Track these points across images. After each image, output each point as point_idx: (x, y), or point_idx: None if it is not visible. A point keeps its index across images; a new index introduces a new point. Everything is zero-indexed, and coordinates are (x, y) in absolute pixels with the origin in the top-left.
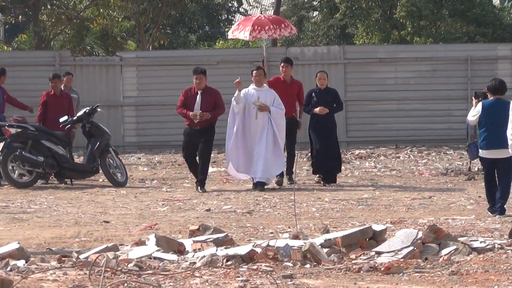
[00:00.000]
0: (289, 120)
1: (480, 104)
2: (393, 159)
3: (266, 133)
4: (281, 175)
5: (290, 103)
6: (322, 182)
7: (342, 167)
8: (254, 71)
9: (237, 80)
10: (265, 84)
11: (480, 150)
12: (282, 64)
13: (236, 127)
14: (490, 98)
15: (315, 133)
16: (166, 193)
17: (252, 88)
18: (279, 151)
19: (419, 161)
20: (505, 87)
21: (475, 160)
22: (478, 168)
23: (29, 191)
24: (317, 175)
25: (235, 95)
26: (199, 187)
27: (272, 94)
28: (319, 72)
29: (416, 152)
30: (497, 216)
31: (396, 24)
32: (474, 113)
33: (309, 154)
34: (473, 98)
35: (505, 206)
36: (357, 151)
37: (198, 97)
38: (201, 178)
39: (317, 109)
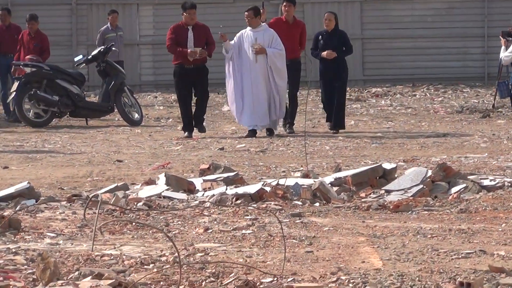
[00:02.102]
0: (291, 62)
1: None
2: (409, 97)
3: (267, 79)
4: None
5: (292, 45)
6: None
7: (358, 105)
8: (245, 12)
9: (220, 33)
10: (263, 24)
11: None
12: (284, 4)
13: (234, 73)
14: None
15: (324, 79)
16: (180, 131)
17: (248, 29)
18: (279, 99)
19: (435, 99)
20: None
21: (498, 98)
22: (494, 105)
23: (44, 131)
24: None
25: (222, 45)
26: (198, 128)
27: (270, 34)
28: (326, 13)
29: (432, 90)
30: None
31: None
32: (509, 52)
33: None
34: (500, 37)
35: None
36: (373, 89)
37: (190, 33)
38: (201, 119)
39: (324, 53)
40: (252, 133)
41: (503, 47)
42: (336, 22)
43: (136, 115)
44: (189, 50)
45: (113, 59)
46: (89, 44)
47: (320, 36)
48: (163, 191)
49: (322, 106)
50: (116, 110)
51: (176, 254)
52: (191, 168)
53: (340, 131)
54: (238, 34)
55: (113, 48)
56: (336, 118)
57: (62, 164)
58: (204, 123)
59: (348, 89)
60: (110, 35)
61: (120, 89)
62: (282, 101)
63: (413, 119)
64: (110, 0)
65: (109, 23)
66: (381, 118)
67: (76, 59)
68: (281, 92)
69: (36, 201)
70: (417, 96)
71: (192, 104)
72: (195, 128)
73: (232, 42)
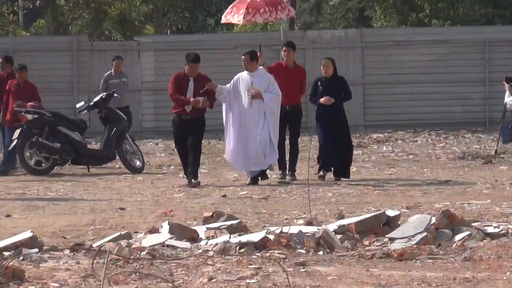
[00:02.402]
0: (292, 108)
1: None
2: (411, 143)
3: (262, 123)
4: (283, 169)
5: (293, 90)
6: (323, 178)
7: (360, 151)
8: (242, 56)
9: (207, 86)
10: (260, 67)
11: None
12: (284, 49)
13: (228, 117)
14: None
15: (322, 125)
16: (183, 179)
17: (245, 73)
18: (273, 143)
19: (436, 145)
20: None
21: (501, 144)
22: (496, 151)
23: (46, 178)
24: (321, 171)
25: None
26: (192, 179)
27: (267, 78)
28: (323, 60)
29: (434, 136)
30: None
31: (414, 6)
32: None
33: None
34: (504, 83)
35: None
36: (375, 135)
37: (191, 83)
38: (195, 170)
39: (322, 99)
40: (254, 181)
41: (507, 92)
42: (334, 67)
43: (138, 162)
44: (191, 99)
45: (116, 106)
46: (91, 91)
47: (319, 82)
48: (166, 240)
49: (319, 153)
50: (117, 157)
51: None
52: (194, 215)
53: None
54: (234, 77)
55: (115, 95)
56: (341, 165)
57: (64, 212)
58: (198, 175)
59: None
60: (113, 81)
61: (122, 136)
62: (275, 146)
63: (415, 165)
64: (111, 47)
65: (113, 69)
66: (383, 165)
67: (77, 105)
68: (275, 134)
69: (39, 251)
70: (418, 142)
71: None
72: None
73: (227, 86)
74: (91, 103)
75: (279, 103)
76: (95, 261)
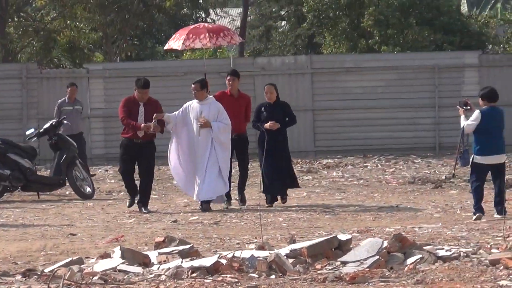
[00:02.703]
0: (238, 137)
1: (477, 112)
2: (361, 168)
3: (210, 151)
4: (229, 198)
5: (238, 119)
6: (271, 205)
7: (310, 177)
8: (192, 85)
9: (154, 121)
10: (210, 96)
11: (475, 157)
12: (228, 78)
13: (177, 144)
14: (484, 106)
15: (265, 150)
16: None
17: (195, 101)
18: (221, 173)
19: (386, 170)
20: (497, 95)
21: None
22: (445, 176)
23: None
24: (268, 203)
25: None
26: (143, 208)
27: (216, 107)
28: (266, 86)
29: (383, 161)
30: (498, 216)
31: (363, 33)
32: (471, 121)
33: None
34: (458, 107)
35: (504, 205)
36: (324, 161)
37: (141, 108)
38: (144, 200)
39: (267, 124)
40: (207, 206)
41: (462, 116)
42: (277, 93)
43: (88, 189)
44: (142, 125)
45: (69, 133)
46: (40, 118)
47: (263, 108)
48: (118, 265)
49: (262, 178)
50: (68, 183)
51: None
52: (145, 241)
53: (292, 204)
54: (184, 105)
55: (65, 122)
56: (288, 183)
57: (15, 238)
58: (148, 205)
59: (299, 160)
60: (66, 108)
61: (72, 162)
62: (225, 175)
63: (365, 190)
64: (60, 74)
65: (67, 96)
66: (334, 190)
67: (27, 132)
68: (225, 164)
69: None
70: (368, 167)
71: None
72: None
73: (174, 113)
74: (41, 130)
75: (228, 132)
76: (46, 287)
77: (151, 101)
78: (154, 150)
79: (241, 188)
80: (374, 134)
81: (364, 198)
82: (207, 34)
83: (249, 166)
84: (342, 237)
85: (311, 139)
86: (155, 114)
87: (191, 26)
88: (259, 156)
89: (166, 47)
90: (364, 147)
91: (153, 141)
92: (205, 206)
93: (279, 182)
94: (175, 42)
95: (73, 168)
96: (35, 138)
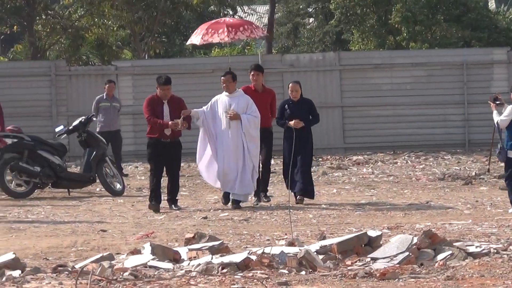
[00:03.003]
0: (263, 131)
1: (510, 107)
2: (391, 165)
3: (241, 146)
4: (258, 195)
5: (263, 114)
6: (298, 200)
7: (340, 173)
8: (222, 77)
9: (182, 116)
10: (239, 90)
11: (509, 151)
12: (252, 73)
13: (206, 140)
14: None
15: (289, 148)
16: (163, 201)
17: (224, 94)
18: (252, 165)
19: (416, 167)
20: None
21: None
22: (475, 172)
23: (26, 201)
24: (297, 196)
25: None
26: (173, 205)
27: (246, 100)
28: (291, 83)
29: (413, 158)
30: None
31: (391, 29)
32: (505, 116)
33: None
34: (490, 102)
35: None
36: (354, 157)
37: (165, 107)
38: (173, 197)
39: (291, 122)
40: (227, 200)
41: (495, 112)
42: (301, 91)
43: (118, 185)
44: (170, 122)
45: (106, 129)
46: (69, 115)
47: (287, 105)
48: (148, 261)
49: (283, 174)
50: (98, 180)
51: None
52: (175, 237)
53: (322, 200)
54: (212, 100)
55: (94, 119)
56: (303, 186)
57: (46, 235)
58: (178, 201)
59: (329, 157)
60: (103, 104)
61: (102, 159)
62: (254, 172)
63: (395, 187)
64: (89, 71)
65: (105, 92)
66: (363, 186)
67: (57, 129)
68: (254, 160)
69: (22, 272)
70: (398, 163)
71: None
72: (171, 205)
73: (202, 108)
74: (70, 127)
75: (257, 125)
76: (78, 282)
77: (174, 99)
78: (181, 148)
79: (264, 183)
80: (403, 130)
81: (394, 195)
82: (225, 29)
83: (271, 161)
84: (372, 233)
85: (341, 136)
86: (182, 111)
87: (213, 21)
88: (284, 152)
89: (188, 42)
90: (394, 143)
91: (179, 140)
92: (236, 205)
93: (300, 182)
94: (195, 37)
95: (103, 165)
96: (65, 135)
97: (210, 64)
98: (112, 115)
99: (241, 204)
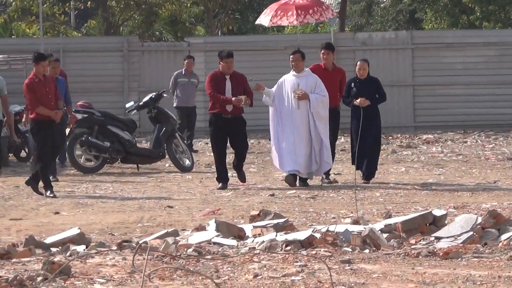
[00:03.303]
0: (330, 110)
1: None
2: (460, 144)
3: (309, 124)
4: (327, 174)
5: (332, 93)
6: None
7: (409, 152)
8: (291, 56)
9: (256, 84)
10: (306, 69)
11: None
12: (322, 51)
13: (276, 120)
14: None
15: (355, 127)
16: (231, 178)
17: (291, 74)
18: (324, 144)
19: (486, 146)
20: None
21: None
22: None
23: (95, 177)
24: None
25: (263, 95)
26: (239, 175)
27: (314, 79)
28: (359, 61)
29: (483, 137)
30: None
31: (465, 8)
32: None
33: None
34: None
35: None
36: (424, 136)
37: (227, 82)
38: (241, 166)
39: (357, 101)
40: (293, 179)
41: None
42: (368, 69)
43: (187, 162)
44: (233, 98)
45: (183, 104)
46: (141, 91)
47: (353, 84)
48: (213, 238)
49: (351, 154)
50: (167, 156)
51: None
52: (242, 214)
53: (390, 179)
54: (279, 80)
55: (164, 95)
56: (368, 167)
57: (113, 210)
58: (246, 172)
59: (399, 135)
60: (181, 80)
61: (172, 135)
62: (325, 150)
63: (464, 166)
64: (161, 47)
65: (184, 68)
66: (432, 165)
67: (127, 105)
68: (324, 139)
69: (87, 247)
70: (468, 142)
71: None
72: (237, 178)
73: (272, 89)
74: (141, 103)
75: (326, 104)
76: (141, 258)
77: (237, 75)
78: (245, 124)
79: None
80: (474, 110)
81: (462, 174)
82: (294, 12)
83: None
84: (437, 212)
85: (411, 115)
86: (257, 84)
87: (283, 1)
88: (351, 131)
89: (257, 21)
90: (464, 122)
91: (242, 116)
92: (303, 182)
93: (365, 160)
94: (265, 18)
95: (173, 141)
96: (135, 111)
97: (283, 41)
98: (190, 91)
99: (308, 181)
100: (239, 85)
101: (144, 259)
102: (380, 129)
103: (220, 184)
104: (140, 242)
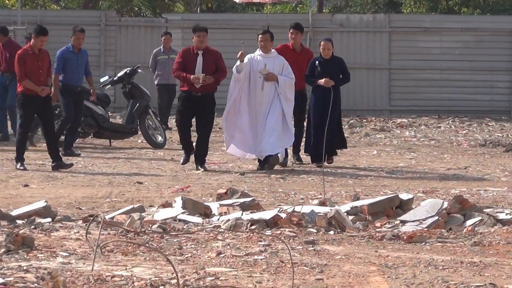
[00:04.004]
0: (297, 93)
1: None
2: (434, 129)
3: (275, 106)
4: (286, 155)
5: (299, 74)
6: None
7: (382, 135)
8: (260, 35)
9: (240, 52)
10: (273, 50)
11: None
12: (291, 31)
13: (235, 98)
14: None
15: (316, 107)
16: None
17: (258, 54)
18: (287, 126)
19: (459, 132)
20: None
21: None
22: None
23: None
24: (315, 163)
25: (236, 64)
26: (198, 166)
27: (281, 61)
28: (323, 41)
29: (457, 123)
30: None
31: None
32: None
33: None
34: None
35: None
36: (398, 120)
37: (199, 58)
38: (200, 157)
39: (321, 81)
40: (262, 166)
41: None
42: (333, 49)
43: (160, 138)
44: (192, 76)
45: (164, 82)
46: (117, 66)
47: (317, 62)
48: (178, 214)
49: (305, 139)
50: (140, 132)
51: (187, 278)
52: (210, 192)
53: (361, 162)
54: (247, 56)
55: (139, 71)
56: (331, 144)
57: (82, 184)
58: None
59: (373, 118)
60: (161, 57)
61: (145, 111)
62: (289, 132)
63: (435, 151)
64: (138, 23)
65: (162, 45)
66: (404, 149)
67: (102, 79)
68: (290, 117)
69: (52, 220)
70: (441, 128)
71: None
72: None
73: (245, 62)
74: (115, 78)
75: (293, 87)
76: (105, 232)
77: (211, 51)
78: (214, 104)
79: (298, 148)
80: (449, 95)
81: (433, 159)
82: None
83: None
84: (404, 196)
85: (387, 98)
86: (239, 54)
87: None
88: (310, 111)
89: None
90: (439, 108)
91: (213, 94)
92: (272, 161)
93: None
94: None
95: (146, 117)
96: (109, 85)
97: (262, 20)
98: (170, 68)
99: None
100: (210, 62)
101: (109, 233)
102: (340, 110)
103: (184, 156)
104: (107, 217)
